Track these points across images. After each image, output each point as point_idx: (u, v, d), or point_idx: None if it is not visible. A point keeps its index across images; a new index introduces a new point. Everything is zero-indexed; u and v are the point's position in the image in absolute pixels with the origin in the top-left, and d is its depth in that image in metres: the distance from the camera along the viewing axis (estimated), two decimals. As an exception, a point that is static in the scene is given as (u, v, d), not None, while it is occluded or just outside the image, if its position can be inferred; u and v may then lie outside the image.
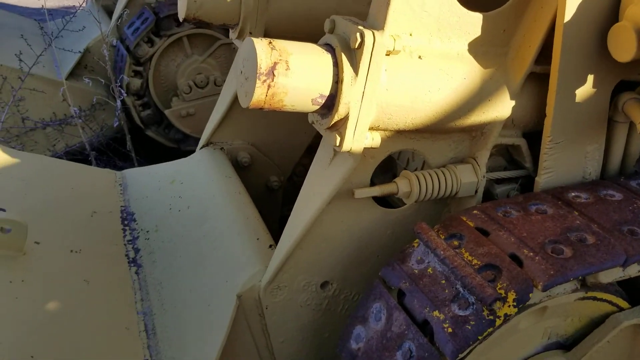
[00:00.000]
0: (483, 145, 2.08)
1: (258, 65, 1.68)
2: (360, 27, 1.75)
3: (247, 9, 2.69)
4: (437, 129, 1.99)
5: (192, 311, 2.21)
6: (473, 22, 1.93)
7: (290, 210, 3.48)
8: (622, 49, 1.81)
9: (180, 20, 2.71)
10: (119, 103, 4.29)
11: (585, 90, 1.99)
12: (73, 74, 4.73)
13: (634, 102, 2.02)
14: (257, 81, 1.68)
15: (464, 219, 1.90)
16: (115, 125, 4.39)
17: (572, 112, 2.01)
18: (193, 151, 5.34)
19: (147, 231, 2.69)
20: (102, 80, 4.67)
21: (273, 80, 1.70)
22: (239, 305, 2.09)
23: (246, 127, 3.07)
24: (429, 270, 1.80)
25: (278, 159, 3.19)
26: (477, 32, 1.95)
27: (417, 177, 2.02)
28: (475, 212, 1.93)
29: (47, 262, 2.34)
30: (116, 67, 4.68)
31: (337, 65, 1.78)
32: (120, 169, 4.80)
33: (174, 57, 4.92)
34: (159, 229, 2.68)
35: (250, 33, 2.73)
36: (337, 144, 1.85)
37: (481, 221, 1.88)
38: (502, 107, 2.02)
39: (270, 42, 1.73)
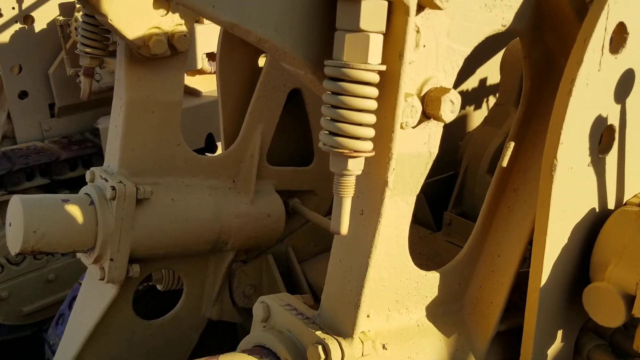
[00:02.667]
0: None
1: None
2: (319, 335, 1.28)
3: (107, 230, 2.10)
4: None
5: None
6: (430, 284, 1.58)
7: None
8: (608, 314, 1.54)
9: (13, 254, 2.03)
10: None
11: (556, 346, 1.71)
12: None
13: (602, 350, 1.77)
14: None
15: None
16: None
17: (544, 370, 1.71)
18: (4, 342, 4.33)
19: None
20: None
21: None
22: None
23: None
24: None
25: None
26: (434, 292, 1.60)
27: None
28: None
29: None
30: None
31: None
32: None
33: (-22, 230, 3.99)
34: None
35: (112, 259, 2.13)
36: None
37: None
38: (469, 380, 1.65)
39: None
